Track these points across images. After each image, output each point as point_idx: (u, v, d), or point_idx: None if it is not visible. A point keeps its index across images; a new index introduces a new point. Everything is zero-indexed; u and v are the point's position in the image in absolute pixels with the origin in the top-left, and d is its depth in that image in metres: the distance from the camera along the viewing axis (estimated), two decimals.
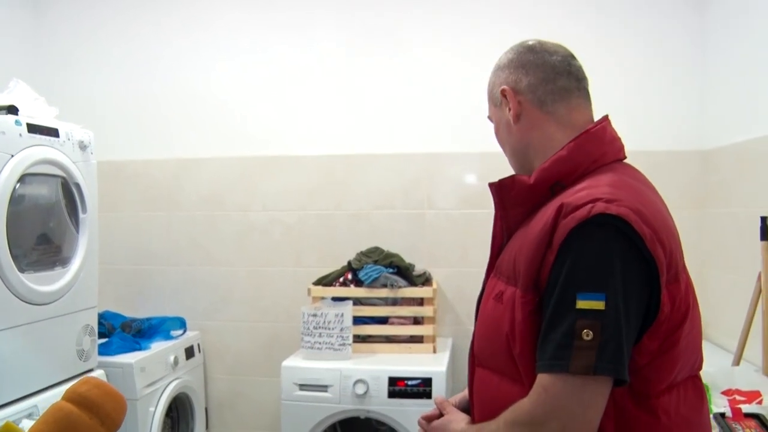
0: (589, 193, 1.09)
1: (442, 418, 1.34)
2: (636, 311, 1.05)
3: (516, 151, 1.31)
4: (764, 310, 2.33)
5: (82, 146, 2.57)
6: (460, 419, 1.29)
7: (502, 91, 1.28)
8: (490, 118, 1.38)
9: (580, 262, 1.04)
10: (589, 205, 1.05)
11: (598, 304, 1.01)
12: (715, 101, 2.91)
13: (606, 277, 1.02)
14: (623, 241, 1.04)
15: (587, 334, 1.01)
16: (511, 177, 1.24)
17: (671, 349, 1.08)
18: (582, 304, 1.02)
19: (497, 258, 1.29)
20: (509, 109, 1.28)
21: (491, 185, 1.28)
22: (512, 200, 1.24)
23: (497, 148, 1.40)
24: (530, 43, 1.31)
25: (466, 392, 1.42)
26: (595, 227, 1.04)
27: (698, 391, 1.19)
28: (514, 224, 1.26)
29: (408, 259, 3.04)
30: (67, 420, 1.15)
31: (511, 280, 1.17)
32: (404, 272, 2.95)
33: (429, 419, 1.37)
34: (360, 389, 2.58)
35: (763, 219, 2.38)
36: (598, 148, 1.21)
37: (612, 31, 3.07)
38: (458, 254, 3.17)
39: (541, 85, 1.25)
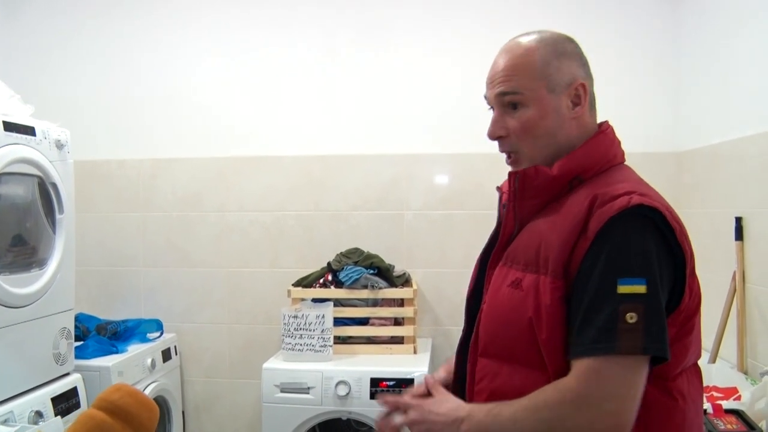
0: (622, 186, 1.16)
1: (433, 398, 1.28)
2: (663, 298, 1.11)
3: (559, 145, 1.26)
4: (739, 309, 2.39)
5: (59, 145, 2.52)
6: (455, 401, 1.24)
7: (582, 86, 1.26)
8: (509, 93, 1.26)
9: (621, 248, 1.10)
10: (627, 197, 1.12)
11: (640, 288, 1.07)
12: (690, 104, 2.97)
13: (646, 263, 1.09)
14: (658, 232, 1.12)
15: (631, 317, 1.06)
16: (534, 167, 1.24)
17: (686, 336, 1.16)
18: (623, 288, 1.07)
19: (505, 247, 1.28)
20: (573, 104, 1.26)
21: (513, 173, 1.26)
22: (532, 190, 1.24)
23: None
24: (570, 37, 1.31)
25: (444, 375, 1.44)
26: (633, 217, 1.11)
27: (700, 376, 1.26)
28: (527, 215, 1.26)
29: (387, 259, 3.04)
30: (99, 429, 1.11)
31: (532, 267, 1.18)
32: (384, 273, 2.95)
33: (416, 396, 1.33)
34: (342, 390, 2.57)
35: (737, 219, 2.44)
36: (612, 149, 1.30)
37: (585, 34, 3.04)
38: (437, 255, 3.18)
39: (592, 86, 1.31)
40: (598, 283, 1.09)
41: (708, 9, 2.79)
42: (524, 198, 1.25)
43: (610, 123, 1.35)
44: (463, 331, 1.40)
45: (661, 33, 3.08)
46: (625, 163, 1.34)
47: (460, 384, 1.35)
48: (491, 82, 1.30)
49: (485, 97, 1.33)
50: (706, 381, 2.10)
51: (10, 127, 2.27)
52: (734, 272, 2.43)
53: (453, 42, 3.16)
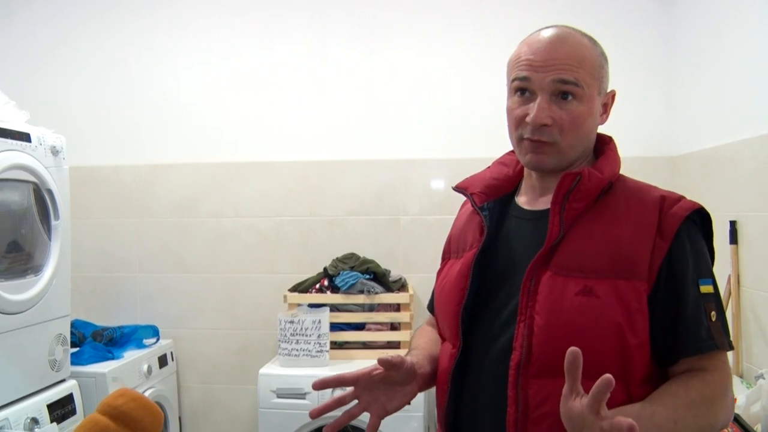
0: (669, 191, 1.22)
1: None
2: None
3: (585, 148, 1.26)
4: (734, 313, 2.39)
5: (54, 151, 2.52)
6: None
7: (613, 95, 1.29)
8: (571, 83, 1.18)
9: (698, 249, 1.16)
10: (688, 201, 1.19)
11: (710, 288, 1.14)
12: (684, 108, 2.98)
13: (710, 264, 1.18)
14: (710, 234, 1.21)
15: (713, 316, 1.12)
16: (588, 169, 1.20)
17: None
18: (703, 288, 1.13)
19: (550, 255, 1.17)
20: (604, 109, 1.29)
21: (568, 175, 1.18)
22: (583, 193, 1.18)
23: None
24: None
25: (427, 366, 1.31)
26: (696, 220, 1.18)
27: None
28: (573, 219, 1.18)
29: (383, 264, 3.05)
30: None
31: (604, 272, 1.12)
32: (380, 278, 2.95)
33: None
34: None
35: (731, 223, 2.45)
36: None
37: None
38: (432, 260, 3.15)
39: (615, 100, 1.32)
40: (689, 282, 1.13)
41: (701, 13, 2.80)
42: (574, 201, 1.18)
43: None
44: (456, 347, 1.24)
45: (654, 37, 3.09)
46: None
47: (452, 405, 1.24)
48: (543, 66, 1.18)
49: (523, 78, 1.20)
50: None
51: (5, 133, 2.27)
52: (729, 276, 2.43)
53: (449, 47, 3.17)
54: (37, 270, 2.45)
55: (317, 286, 2.98)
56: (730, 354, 2.30)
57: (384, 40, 3.23)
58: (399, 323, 2.90)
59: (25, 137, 2.38)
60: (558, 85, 1.17)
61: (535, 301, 1.14)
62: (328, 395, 2.56)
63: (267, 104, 3.29)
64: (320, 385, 1.23)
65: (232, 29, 3.30)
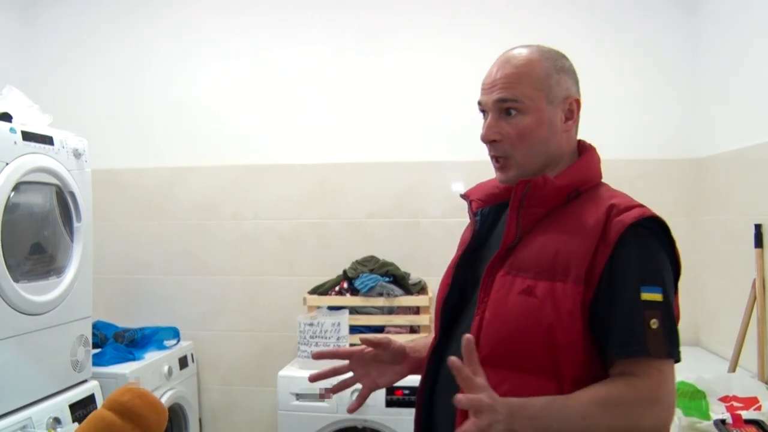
0: (629, 200, 1.24)
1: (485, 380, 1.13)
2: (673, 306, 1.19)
3: (549, 155, 1.30)
4: (759, 317, 2.35)
5: (77, 154, 2.55)
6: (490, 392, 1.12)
7: (576, 102, 1.32)
8: (510, 100, 1.27)
9: (646, 257, 1.17)
10: (639, 209, 1.20)
11: (657, 296, 1.14)
12: (709, 110, 2.94)
13: (661, 273, 1.17)
14: (665, 244, 1.21)
15: (654, 323, 1.13)
16: (543, 176, 1.26)
17: None
18: (645, 296, 1.14)
19: (505, 256, 1.27)
20: (566, 118, 1.31)
21: (521, 183, 1.27)
22: (538, 199, 1.26)
23: (489, 157, 1.36)
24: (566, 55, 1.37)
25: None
26: (645, 229, 1.19)
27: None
28: (529, 224, 1.27)
29: (403, 267, 3.04)
30: (109, 430, 1.13)
31: (545, 274, 1.19)
32: (400, 281, 2.94)
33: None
34: None
35: (757, 226, 2.41)
36: (599, 165, 1.36)
37: (604, 40, 3.09)
38: None
39: (580, 105, 1.35)
40: (624, 289, 1.15)
41: (727, 14, 2.77)
42: (530, 206, 1.27)
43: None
44: (435, 337, 1.38)
45: (679, 39, 3.05)
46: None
47: (428, 389, 1.35)
48: (489, 88, 1.31)
49: (479, 103, 1.34)
50: (726, 391, 2.07)
51: (28, 136, 2.30)
52: (754, 280, 2.39)
53: (471, 48, 3.15)
54: (59, 272, 2.48)
55: (337, 288, 2.98)
56: (753, 357, 2.30)
57: (404, 42, 3.22)
58: (418, 326, 2.89)
59: (48, 140, 2.41)
60: (499, 104, 1.29)
61: (489, 297, 1.25)
62: (347, 399, 2.55)
63: (287, 107, 3.29)
64: (318, 356, 1.46)
65: (252, 33, 3.31)
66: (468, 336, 1.13)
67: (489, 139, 1.31)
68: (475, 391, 1.09)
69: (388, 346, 1.42)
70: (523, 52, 1.31)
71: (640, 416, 1.11)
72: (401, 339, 1.49)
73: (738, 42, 2.66)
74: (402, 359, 1.43)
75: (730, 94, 2.74)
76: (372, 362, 1.43)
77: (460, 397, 1.08)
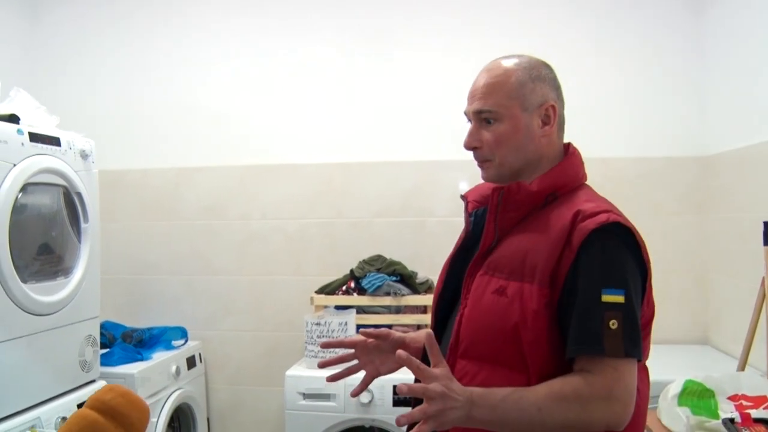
0: (597, 204, 1.29)
1: (442, 369, 1.19)
2: (638, 307, 1.24)
3: (528, 159, 1.37)
4: None
5: (84, 155, 2.56)
6: (456, 381, 1.19)
7: (552, 108, 1.37)
8: (485, 111, 1.35)
9: (609, 260, 1.22)
10: (605, 214, 1.24)
11: (619, 298, 1.19)
12: (716, 107, 2.93)
13: (624, 276, 1.21)
14: (631, 247, 1.25)
15: (613, 324, 1.17)
16: (517, 183, 1.34)
17: (645, 338, 1.29)
18: (606, 298, 1.19)
19: (485, 256, 1.35)
20: (543, 123, 1.37)
21: (495, 189, 1.36)
22: (514, 204, 1.34)
23: None
24: (547, 63, 1.42)
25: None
26: (610, 233, 1.23)
27: (648, 373, 1.36)
28: (507, 227, 1.35)
29: (410, 266, 3.04)
30: (92, 428, 1.15)
31: (516, 275, 1.27)
32: (407, 280, 2.94)
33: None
34: (365, 398, 2.56)
35: (765, 224, 2.38)
36: (581, 169, 1.43)
37: (610, 37, 3.08)
38: None
39: (563, 109, 1.42)
40: (585, 291, 1.20)
41: (732, 13, 2.75)
42: (506, 210, 1.34)
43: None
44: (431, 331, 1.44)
45: (685, 35, 3.04)
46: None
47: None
48: (471, 98, 1.40)
49: (465, 113, 1.42)
50: (735, 389, 2.06)
51: (36, 138, 2.31)
52: (763, 278, 2.37)
53: (475, 48, 3.14)
54: (67, 272, 2.49)
55: (344, 288, 2.98)
56: (762, 355, 2.29)
57: (409, 41, 3.22)
58: (426, 325, 2.88)
59: (55, 142, 2.42)
60: (478, 115, 1.38)
61: (469, 294, 1.34)
62: (354, 398, 2.56)
63: (293, 107, 3.30)
64: (325, 345, 1.53)
65: (258, 33, 3.32)
66: (428, 331, 1.29)
67: (470, 147, 1.41)
68: (428, 380, 1.15)
69: (387, 337, 1.50)
70: (502, 63, 1.39)
71: (592, 411, 1.16)
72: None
73: (744, 39, 2.64)
74: (403, 349, 1.48)
75: (736, 92, 2.72)
76: (375, 351, 1.51)
77: (400, 385, 1.17)
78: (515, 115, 1.35)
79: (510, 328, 1.24)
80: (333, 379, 1.48)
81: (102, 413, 1.16)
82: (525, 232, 1.32)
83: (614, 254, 1.22)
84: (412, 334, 1.54)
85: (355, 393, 1.53)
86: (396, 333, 1.52)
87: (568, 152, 1.42)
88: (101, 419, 1.15)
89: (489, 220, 1.36)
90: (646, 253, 1.28)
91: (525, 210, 1.34)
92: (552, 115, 1.37)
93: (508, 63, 1.38)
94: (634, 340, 1.19)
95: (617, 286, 1.20)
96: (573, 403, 1.16)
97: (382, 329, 1.52)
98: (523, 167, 1.37)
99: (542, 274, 1.23)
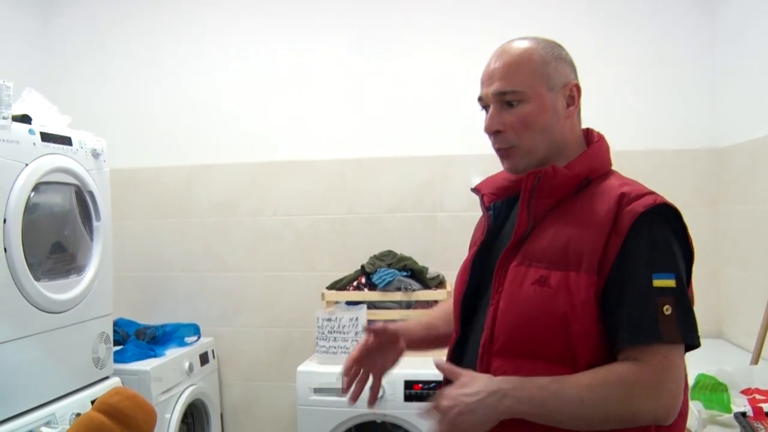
0: (638, 187, 1.23)
1: (459, 380, 1.21)
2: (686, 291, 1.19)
3: (554, 141, 1.31)
4: None
5: (95, 154, 2.58)
6: (485, 376, 1.20)
7: (576, 87, 1.32)
8: (509, 92, 1.28)
9: (658, 244, 1.17)
10: (651, 196, 1.20)
11: (671, 282, 1.14)
12: (728, 99, 2.90)
13: (673, 259, 1.17)
14: (679, 229, 1.21)
15: (667, 309, 1.13)
16: (552, 167, 1.27)
17: None
18: (658, 282, 1.14)
19: (517, 246, 1.28)
20: (567, 104, 1.31)
21: (531, 173, 1.27)
22: (549, 189, 1.27)
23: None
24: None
25: (420, 331, 1.57)
26: (659, 215, 1.18)
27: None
28: (541, 214, 1.28)
29: (421, 262, 3.03)
30: (98, 431, 1.15)
31: (558, 264, 1.20)
32: (418, 275, 2.94)
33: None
34: None
35: None
36: (609, 153, 1.37)
37: (623, 30, 3.05)
38: None
39: (581, 90, 1.34)
40: (636, 277, 1.15)
41: (744, 3, 2.72)
42: (540, 197, 1.27)
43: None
44: (455, 332, 1.39)
45: (698, 26, 3.00)
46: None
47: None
48: (488, 80, 1.32)
49: (479, 98, 1.35)
50: (748, 383, 2.04)
51: (47, 137, 2.33)
52: None
53: (485, 44, 3.10)
54: (79, 270, 2.51)
55: (355, 283, 2.98)
56: None
57: (420, 38, 3.20)
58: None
59: (66, 141, 2.44)
60: (500, 96, 1.29)
61: (503, 288, 1.26)
62: (365, 393, 2.56)
63: (304, 104, 3.30)
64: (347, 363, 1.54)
65: (269, 31, 3.32)
66: (437, 360, 1.27)
67: (492, 130, 1.32)
68: (438, 399, 1.19)
69: (386, 332, 1.52)
70: (518, 43, 1.33)
71: (639, 401, 1.11)
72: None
73: (756, 30, 2.61)
74: (397, 339, 1.54)
75: (750, 82, 2.69)
76: (376, 351, 1.52)
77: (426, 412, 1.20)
78: (541, 94, 1.28)
79: (558, 319, 1.17)
80: (347, 388, 1.52)
81: (109, 416, 1.17)
82: (561, 219, 1.25)
83: (662, 237, 1.17)
84: (402, 325, 1.56)
85: (371, 402, 1.55)
86: (390, 326, 1.53)
87: (595, 137, 1.37)
88: (108, 422, 1.16)
89: (522, 208, 1.28)
90: (691, 238, 1.23)
91: (559, 196, 1.27)
92: (576, 95, 1.31)
93: (526, 42, 1.32)
94: (690, 324, 1.14)
95: (668, 270, 1.15)
96: (615, 389, 1.11)
97: (379, 324, 1.53)
98: (549, 153, 1.30)
99: (590, 261, 1.17)
